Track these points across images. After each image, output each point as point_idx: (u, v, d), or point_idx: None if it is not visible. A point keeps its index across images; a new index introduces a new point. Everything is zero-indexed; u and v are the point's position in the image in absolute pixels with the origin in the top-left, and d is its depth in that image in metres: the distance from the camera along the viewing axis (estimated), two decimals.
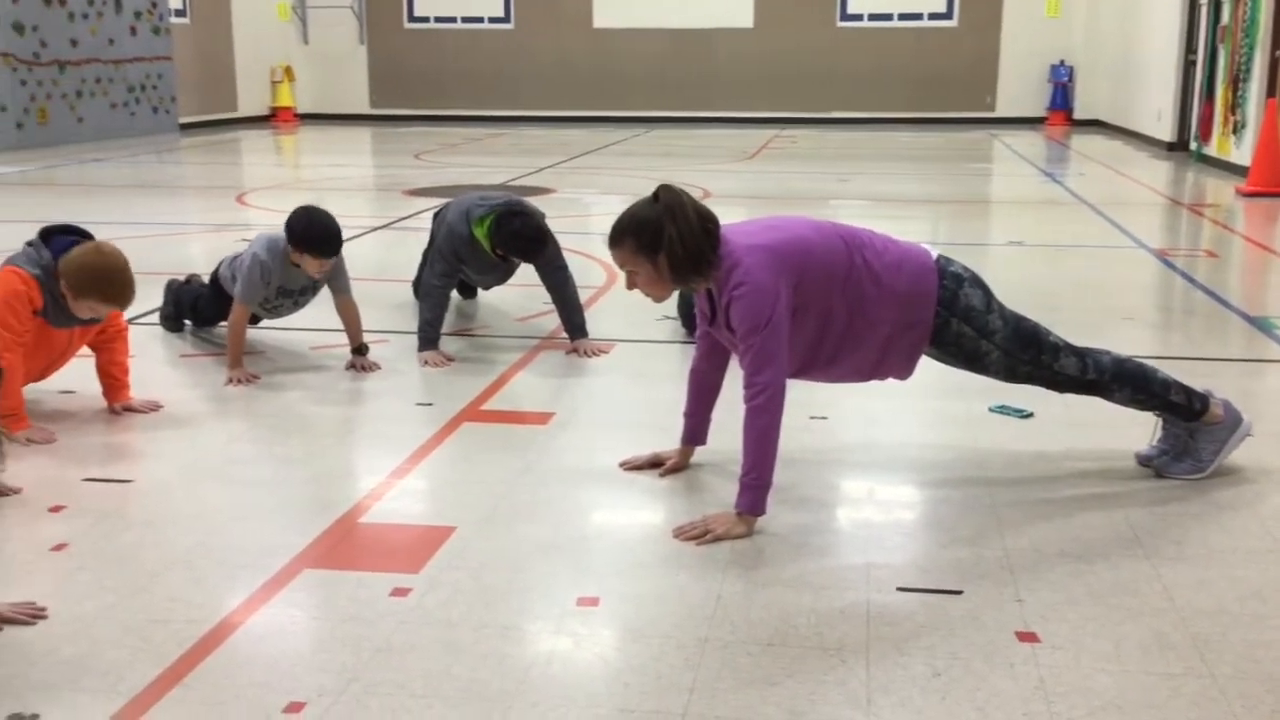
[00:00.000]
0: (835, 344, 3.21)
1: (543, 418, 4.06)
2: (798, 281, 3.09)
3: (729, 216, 3.34)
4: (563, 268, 4.92)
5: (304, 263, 4.47)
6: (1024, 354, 3.32)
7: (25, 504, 3.26)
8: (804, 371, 3.28)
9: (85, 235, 3.88)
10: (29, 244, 3.82)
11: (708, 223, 3.09)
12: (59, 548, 2.97)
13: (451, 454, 3.71)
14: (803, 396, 3.75)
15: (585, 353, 4.87)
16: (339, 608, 2.65)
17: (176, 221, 8.88)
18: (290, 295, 4.68)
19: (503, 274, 5.26)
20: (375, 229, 8.35)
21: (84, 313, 3.76)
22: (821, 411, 4.02)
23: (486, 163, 13.29)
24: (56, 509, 3.22)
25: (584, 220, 8.80)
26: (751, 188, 11.23)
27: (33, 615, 2.57)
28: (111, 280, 3.69)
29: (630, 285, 3.19)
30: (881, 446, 3.78)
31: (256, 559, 2.90)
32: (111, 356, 4.04)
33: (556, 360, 4.83)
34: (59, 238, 3.84)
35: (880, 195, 10.48)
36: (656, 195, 3.10)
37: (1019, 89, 19.23)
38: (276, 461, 3.66)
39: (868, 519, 3.22)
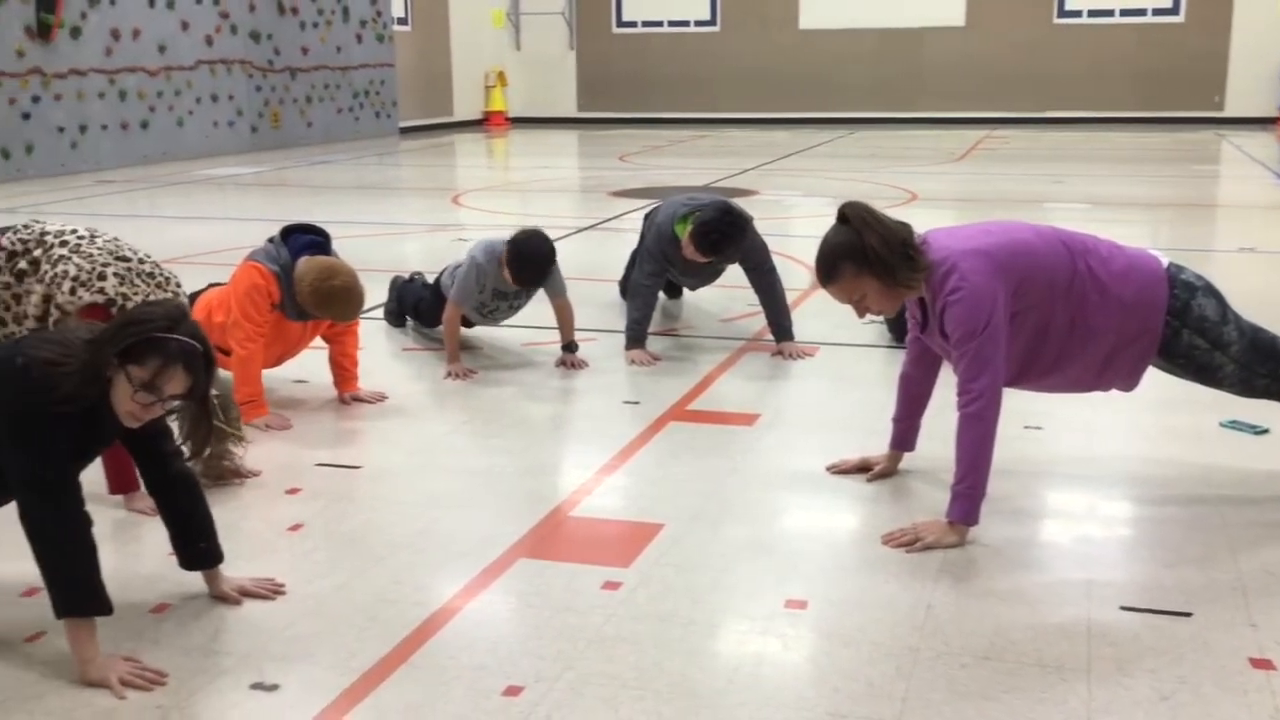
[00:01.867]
0: (1054, 352, 3.11)
1: (748, 419, 4.07)
2: (1016, 287, 3.01)
3: (937, 220, 3.29)
4: (771, 270, 4.93)
5: (506, 275, 4.62)
6: (1262, 367, 3.15)
7: (265, 486, 3.47)
8: (1020, 379, 3.19)
9: (321, 234, 4.11)
10: (270, 240, 4.07)
11: (899, 223, 3.06)
12: (295, 528, 3.16)
13: (658, 452, 3.76)
14: (1018, 405, 3.64)
15: (790, 355, 4.86)
16: (553, 598, 2.73)
17: (396, 221, 9.28)
18: (505, 298, 4.83)
19: (709, 275, 5.30)
20: (582, 230, 8.53)
21: (312, 314, 4.01)
22: (1037, 421, 3.90)
23: (689, 164, 13.39)
24: (293, 491, 3.43)
25: (787, 222, 8.77)
26: (960, 190, 10.97)
27: (273, 591, 2.75)
28: (340, 306, 3.95)
29: (861, 313, 3.16)
30: (1101, 459, 3.64)
31: (475, 546, 3.01)
32: (342, 349, 4.27)
33: (761, 362, 4.84)
34: (297, 236, 4.08)
35: (1098, 198, 10.07)
36: (843, 216, 3.07)
37: (1250, 87, 18.13)
38: (492, 453, 3.79)
39: (1087, 534, 3.11)
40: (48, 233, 3.42)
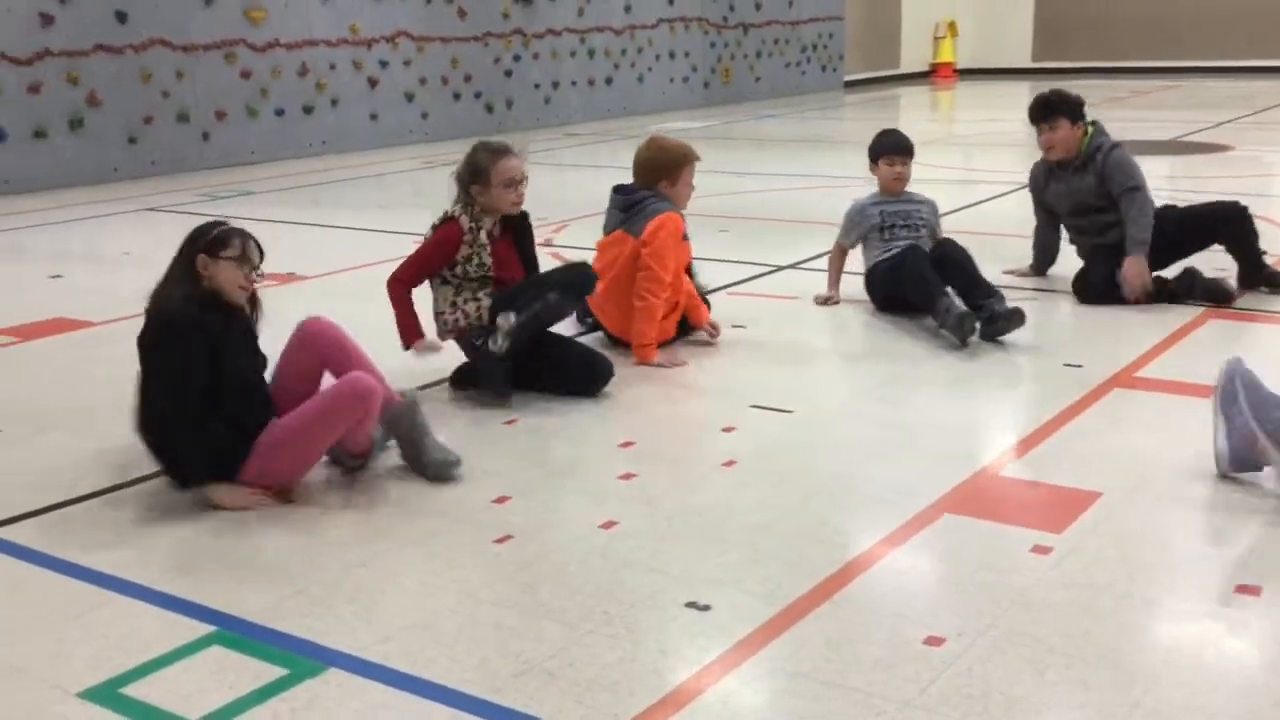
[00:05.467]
0: None
1: (1206, 391, 3.77)
2: None
3: None
4: (1133, 189, 4.72)
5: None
6: None
7: (704, 424, 3.67)
8: None
9: None
10: (622, 192, 4.38)
11: None
12: (729, 464, 3.32)
13: (1099, 419, 3.59)
14: None
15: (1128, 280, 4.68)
16: (976, 555, 2.71)
17: (836, 174, 9.32)
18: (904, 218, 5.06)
19: (1074, 196, 4.94)
20: (1022, 187, 8.17)
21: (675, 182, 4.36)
22: None
23: (1152, 117, 12.42)
24: (729, 429, 3.60)
25: (1265, 180, 7.95)
26: None
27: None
28: (671, 150, 4.32)
29: None
30: None
31: (900, 496, 3.03)
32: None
33: (1228, 328, 4.47)
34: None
35: None
36: None
37: None
38: (924, 407, 3.77)
39: None
40: None
